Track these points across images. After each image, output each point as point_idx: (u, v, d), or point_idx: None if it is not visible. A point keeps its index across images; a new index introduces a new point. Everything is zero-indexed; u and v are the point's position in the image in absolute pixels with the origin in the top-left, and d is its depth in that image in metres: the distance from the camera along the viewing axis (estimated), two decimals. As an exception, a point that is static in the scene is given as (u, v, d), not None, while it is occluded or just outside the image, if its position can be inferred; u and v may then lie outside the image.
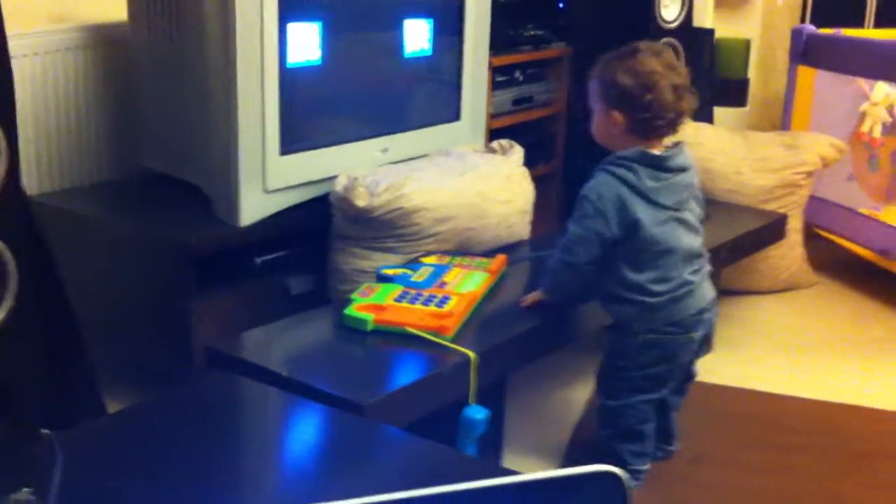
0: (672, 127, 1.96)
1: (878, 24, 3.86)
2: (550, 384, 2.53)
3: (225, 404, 1.74)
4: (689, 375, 2.17)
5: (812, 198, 3.22)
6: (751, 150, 3.07)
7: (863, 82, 3.35)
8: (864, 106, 3.36)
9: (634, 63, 1.94)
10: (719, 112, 3.76)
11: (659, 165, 1.94)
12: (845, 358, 2.77)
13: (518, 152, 2.59)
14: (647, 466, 2.10)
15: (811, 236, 3.34)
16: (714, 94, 3.72)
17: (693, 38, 3.43)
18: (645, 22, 3.22)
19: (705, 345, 2.15)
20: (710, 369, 2.64)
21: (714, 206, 2.94)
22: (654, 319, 1.98)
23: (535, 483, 0.53)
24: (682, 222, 1.97)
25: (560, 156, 3.41)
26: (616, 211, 1.92)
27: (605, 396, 2.09)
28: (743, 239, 2.77)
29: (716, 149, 3.04)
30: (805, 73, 3.41)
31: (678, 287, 1.96)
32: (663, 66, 1.95)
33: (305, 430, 1.69)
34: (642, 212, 1.92)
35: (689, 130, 3.07)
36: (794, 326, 2.98)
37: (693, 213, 2.00)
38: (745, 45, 3.88)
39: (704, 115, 3.57)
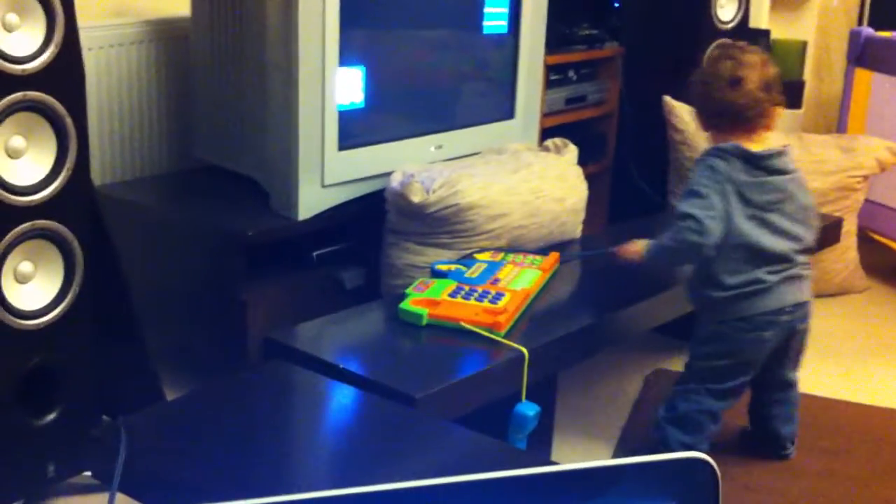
0: (742, 117, 1.98)
1: (938, 26, 3.80)
2: (600, 383, 2.54)
3: (281, 393, 1.78)
4: (785, 383, 2.14)
5: (867, 201, 3.19)
6: (806, 152, 3.04)
7: (921, 86, 3.31)
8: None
9: (704, 63, 2.00)
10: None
11: (754, 162, 1.97)
12: (894, 361, 2.74)
13: (572, 151, 2.60)
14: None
15: (865, 240, 3.30)
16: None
17: (749, 39, 3.41)
18: (701, 22, 3.21)
19: (793, 351, 2.11)
20: (761, 372, 2.63)
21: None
22: (723, 312, 2.01)
23: (626, 468, 0.54)
24: (767, 223, 1.98)
25: (610, 155, 3.41)
26: (722, 194, 1.96)
27: (678, 382, 2.12)
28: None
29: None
30: (862, 75, 3.38)
31: (749, 283, 1.98)
32: (727, 57, 2.00)
33: (358, 420, 1.72)
34: (733, 201, 1.96)
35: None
36: (845, 331, 2.96)
37: (786, 216, 1.99)
38: (801, 46, 3.84)
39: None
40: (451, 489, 0.55)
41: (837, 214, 2.97)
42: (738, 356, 2.03)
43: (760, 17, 3.60)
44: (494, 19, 2.61)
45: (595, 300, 2.26)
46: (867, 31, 3.37)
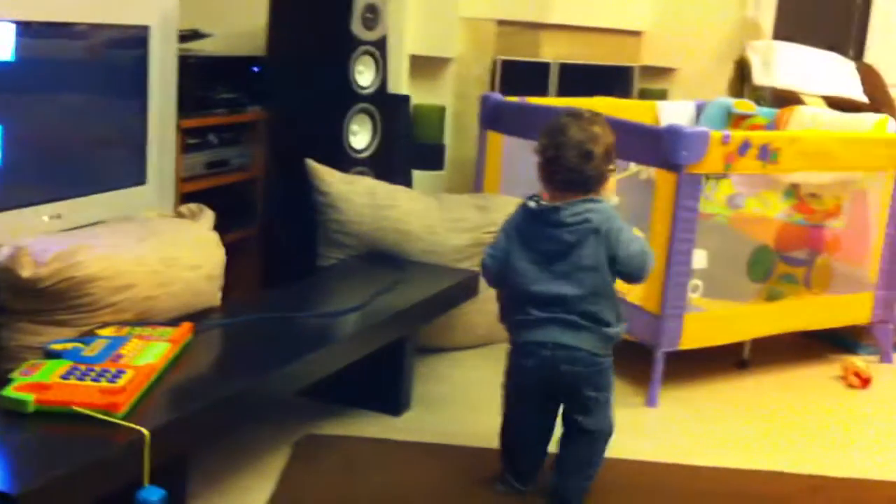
0: (573, 185, 2.17)
1: (561, 94, 4.14)
2: (243, 456, 2.43)
3: None
4: (574, 425, 2.25)
5: (505, 256, 3.35)
6: (445, 211, 3.16)
7: (546, 147, 3.56)
8: (549, 169, 3.57)
9: (550, 130, 2.20)
10: (418, 175, 3.87)
11: (530, 213, 2.22)
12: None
13: (208, 217, 2.51)
14: (518, 485, 2.31)
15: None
16: (413, 158, 3.83)
17: (389, 104, 3.52)
18: (342, 87, 3.27)
19: (566, 391, 2.24)
20: (410, 427, 2.66)
21: (410, 266, 3.00)
22: (510, 338, 2.29)
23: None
24: (543, 268, 2.19)
25: (259, 220, 3.36)
26: (508, 237, 2.27)
27: None
28: (438, 297, 2.83)
29: (411, 210, 3.10)
30: (494, 137, 3.58)
31: (520, 314, 2.22)
32: (578, 129, 2.17)
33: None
34: (516, 245, 2.23)
35: (385, 193, 3.13)
36: (492, 380, 3.02)
37: (570, 264, 2.17)
38: (441, 111, 4.03)
39: (403, 179, 3.66)
40: None
41: (476, 269, 3.09)
42: (514, 377, 2.29)
43: (400, 84, 3.73)
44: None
45: (233, 369, 2.17)
46: (496, 96, 3.59)
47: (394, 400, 2.74)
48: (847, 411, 3.06)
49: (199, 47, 3.04)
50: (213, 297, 2.44)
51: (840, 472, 2.61)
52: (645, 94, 4.45)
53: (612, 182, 3.74)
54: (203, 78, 3.01)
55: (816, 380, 3.28)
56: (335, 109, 3.28)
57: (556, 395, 2.25)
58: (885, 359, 3.47)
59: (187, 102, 2.79)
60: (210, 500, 2.20)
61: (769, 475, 2.54)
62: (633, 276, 2.22)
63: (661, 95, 4.53)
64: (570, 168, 2.15)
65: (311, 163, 3.09)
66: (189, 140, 2.95)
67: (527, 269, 2.20)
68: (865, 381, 3.21)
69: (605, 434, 2.27)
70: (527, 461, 2.33)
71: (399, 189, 3.20)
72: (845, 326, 3.45)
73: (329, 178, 3.08)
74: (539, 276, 2.19)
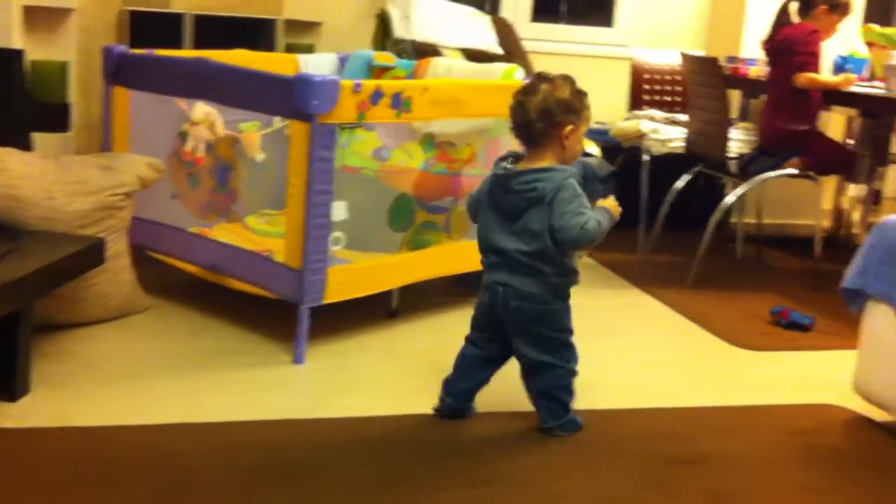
0: (520, 137, 2.46)
1: (198, 47, 3.94)
2: None
3: None
4: (519, 353, 2.53)
5: (140, 220, 3.14)
6: (65, 173, 2.88)
7: (182, 102, 3.36)
8: (186, 125, 3.38)
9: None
10: (41, 138, 3.52)
11: (495, 175, 2.49)
12: (179, 376, 2.72)
13: None
14: (445, 395, 2.61)
15: (145, 259, 3.26)
16: (32, 119, 3.47)
17: (-2, 59, 3.16)
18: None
19: (510, 326, 2.50)
20: (26, 413, 2.41)
21: (24, 235, 2.71)
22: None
23: None
24: (503, 223, 2.46)
25: None
26: (486, 182, 2.54)
27: None
28: (54, 267, 2.57)
29: (23, 174, 2.80)
30: (121, 93, 3.32)
31: (484, 257, 2.53)
32: (527, 83, 2.47)
33: None
34: (486, 195, 2.51)
35: (-11, 156, 2.80)
36: (128, 353, 2.86)
37: (521, 224, 2.42)
38: (62, 67, 3.69)
39: (20, 142, 3.31)
40: None
41: (103, 235, 2.86)
42: (477, 310, 2.57)
43: (10, 37, 3.36)
44: None
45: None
46: (120, 48, 3.33)
47: (8, 383, 2.47)
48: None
49: None
50: None
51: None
52: (291, 49, 4.35)
53: (256, 138, 3.64)
54: None
55: (461, 323, 3.36)
56: (-74, 64, 2.90)
57: (505, 329, 2.50)
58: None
59: None
60: None
61: (417, 418, 2.57)
62: (566, 245, 2.42)
63: (308, 50, 4.45)
64: (513, 118, 2.45)
65: None
66: None
67: (490, 221, 2.48)
68: (506, 320, 3.35)
69: (560, 367, 2.51)
70: (458, 377, 2.60)
71: (7, 151, 2.87)
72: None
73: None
74: (499, 230, 2.46)
